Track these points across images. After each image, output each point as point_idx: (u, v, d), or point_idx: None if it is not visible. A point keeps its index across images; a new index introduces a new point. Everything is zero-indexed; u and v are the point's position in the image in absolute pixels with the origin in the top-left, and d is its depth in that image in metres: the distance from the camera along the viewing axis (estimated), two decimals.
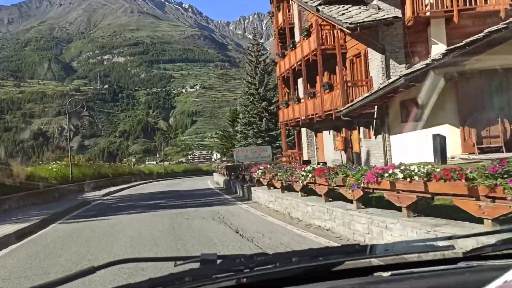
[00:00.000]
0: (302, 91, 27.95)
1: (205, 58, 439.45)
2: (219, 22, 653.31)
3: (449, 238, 1.85)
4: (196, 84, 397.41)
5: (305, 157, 27.72)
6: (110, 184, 31.61)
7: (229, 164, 29.83)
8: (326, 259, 1.45)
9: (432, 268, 1.42)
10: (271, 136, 43.92)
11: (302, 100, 26.48)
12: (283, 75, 30.36)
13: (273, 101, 46.48)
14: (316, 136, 27.69)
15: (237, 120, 52.22)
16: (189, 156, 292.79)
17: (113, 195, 24.91)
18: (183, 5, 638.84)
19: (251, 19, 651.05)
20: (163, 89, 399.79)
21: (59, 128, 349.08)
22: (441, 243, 1.63)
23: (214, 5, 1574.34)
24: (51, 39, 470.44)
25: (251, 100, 45.40)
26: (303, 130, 28.90)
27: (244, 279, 1.31)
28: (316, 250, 1.53)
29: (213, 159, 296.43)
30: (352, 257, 1.49)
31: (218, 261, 1.42)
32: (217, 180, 33.58)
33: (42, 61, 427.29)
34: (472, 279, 1.31)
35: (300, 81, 28.42)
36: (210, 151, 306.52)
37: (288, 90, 30.73)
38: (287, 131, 35.27)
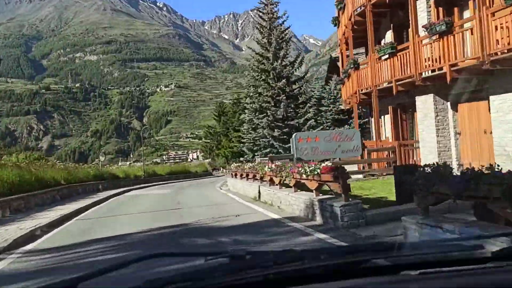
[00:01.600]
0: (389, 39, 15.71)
1: (180, 57, 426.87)
2: (194, 21, 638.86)
3: (478, 237, 1.85)
4: (171, 83, 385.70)
5: (431, 150, 14.46)
6: (59, 198, 18.79)
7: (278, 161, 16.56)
8: (354, 257, 1.46)
9: (460, 268, 1.40)
10: (292, 127, 31.55)
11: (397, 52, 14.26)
12: (350, 19, 18.06)
13: (292, 79, 33.99)
14: (454, 109, 14.99)
15: (245, 106, 39.45)
16: (164, 157, 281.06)
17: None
18: (158, 4, 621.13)
19: (226, 18, 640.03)
20: (137, 88, 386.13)
21: (28, 128, 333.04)
22: (469, 243, 1.62)
23: (189, 4, 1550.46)
24: (20, 36, 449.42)
25: (263, 78, 32.70)
26: (425, 99, 15.22)
27: (272, 275, 1.32)
28: (345, 248, 1.53)
29: (189, 160, 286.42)
30: (380, 255, 1.49)
31: (247, 257, 1.43)
32: (246, 190, 20.02)
33: (10, 59, 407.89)
34: (501, 279, 1.30)
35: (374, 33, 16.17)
36: (186, 151, 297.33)
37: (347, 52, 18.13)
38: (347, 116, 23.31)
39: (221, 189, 24.39)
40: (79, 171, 25.84)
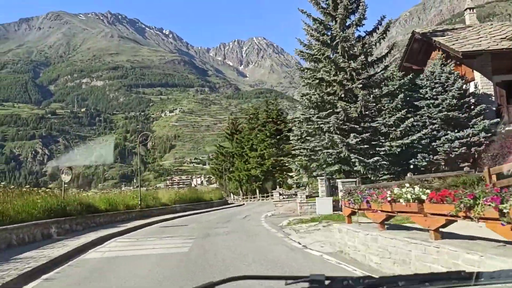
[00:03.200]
0: None
1: (185, 83, 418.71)
2: (199, 48, 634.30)
3: None
4: (176, 109, 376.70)
5: None
6: None
7: None
8: (431, 285, 1.41)
9: None
10: (374, 130, 18.94)
11: None
12: None
13: (371, 58, 21.34)
14: None
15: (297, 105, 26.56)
16: (167, 182, 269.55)
17: None
18: (164, 31, 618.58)
19: (231, 46, 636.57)
20: (142, 113, 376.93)
21: (33, 152, 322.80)
22: None
23: (195, 32, 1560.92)
24: (28, 62, 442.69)
25: (326, 55, 19.97)
26: None
27: None
28: (422, 276, 1.49)
29: (193, 185, 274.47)
30: (457, 283, 1.43)
31: (327, 282, 1.41)
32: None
33: (18, 84, 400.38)
34: None
35: None
36: (190, 176, 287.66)
37: None
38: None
39: (302, 245, 11.26)
40: (14, 203, 13.14)
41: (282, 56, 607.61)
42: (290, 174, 39.98)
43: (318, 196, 20.51)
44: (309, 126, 20.87)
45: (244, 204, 43.48)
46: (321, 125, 19.84)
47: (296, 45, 26.66)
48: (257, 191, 65.08)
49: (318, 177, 20.11)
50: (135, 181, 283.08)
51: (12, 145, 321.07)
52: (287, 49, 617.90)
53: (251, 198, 66.75)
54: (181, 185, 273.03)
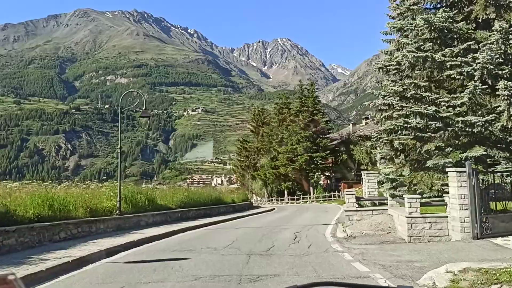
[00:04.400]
0: None
1: (208, 83, 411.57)
2: (224, 48, 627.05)
3: None
4: (198, 108, 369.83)
5: None
6: None
7: None
8: None
9: None
10: None
11: None
12: None
13: None
14: None
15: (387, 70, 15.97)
16: (188, 181, 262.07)
17: None
18: (189, 30, 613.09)
19: (255, 46, 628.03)
20: (165, 111, 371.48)
21: (56, 147, 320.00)
22: None
23: (219, 32, 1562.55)
24: (55, 58, 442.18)
25: None
26: None
27: None
28: None
29: (213, 184, 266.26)
30: None
31: None
32: None
33: (44, 80, 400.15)
34: None
35: None
36: (210, 175, 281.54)
37: None
38: None
39: None
40: None
41: (307, 58, 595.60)
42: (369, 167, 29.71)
43: (437, 202, 10.66)
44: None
45: (274, 209, 33.48)
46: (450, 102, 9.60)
47: None
48: (286, 192, 55.10)
49: (448, 168, 10.06)
50: (155, 178, 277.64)
51: (36, 139, 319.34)
52: (312, 51, 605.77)
53: (278, 200, 56.81)
54: (201, 184, 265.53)
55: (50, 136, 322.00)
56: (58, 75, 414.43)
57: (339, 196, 44.72)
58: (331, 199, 44.33)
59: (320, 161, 48.23)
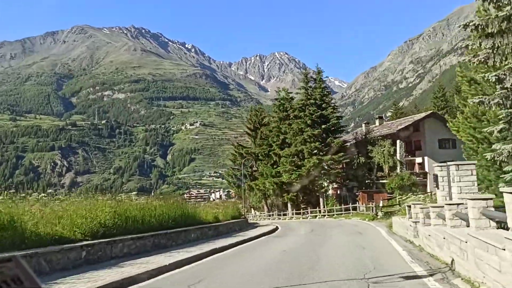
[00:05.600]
0: None
1: (206, 96, 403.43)
2: (221, 62, 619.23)
3: None
4: (196, 122, 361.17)
5: None
6: None
7: None
8: None
9: None
10: None
11: None
12: None
13: None
14: None
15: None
16: (185, 195, 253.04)
17: None
18: (186, 45, 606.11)
19: (253, 60, 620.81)
20: (162, 126, 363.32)
21: (52, 164, 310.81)
22: None
23: (217, 46, 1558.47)
24: (52, 75, 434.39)
25: None
26: None
27: None
28: None
29: (211, 199, 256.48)
30: None
31: None
32: None
33: (41, 96, 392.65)
34: None
35: None
36: (209, 190, 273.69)
37: None
38: None
39: None
40: None
41: (304, 71, 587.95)
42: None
43: None
44: None
45: (277, 228, 23.35)
46: None
47: None
48: (289, 205, 45.11)
49: None
50: (153, 194, 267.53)
51: (32, 156, 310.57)
52: (309, 64, 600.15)
53: (279, 215, 46.79)
54: (199, 199, 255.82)
55: (45, 153, 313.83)
56: (55, 92, 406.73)
57: (355, 209, 34.72)
58: (349, 213, 34.22)
59: (331, 166, 38.38)
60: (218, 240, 14.77)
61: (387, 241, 12.59)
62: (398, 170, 41.60)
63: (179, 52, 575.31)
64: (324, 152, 38.39)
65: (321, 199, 39.95)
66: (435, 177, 12.03)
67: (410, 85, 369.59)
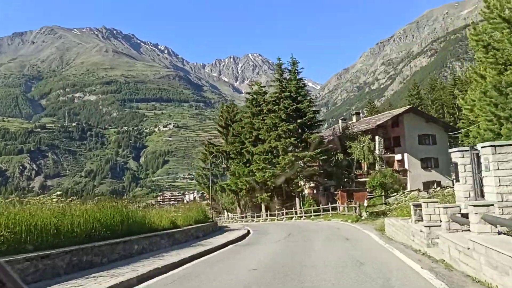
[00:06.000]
0: None
1: (180, 98, 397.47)
2: (195, 64, 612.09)
3: None
4: (170, 123, 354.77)
5: None
6: None
7: None
8: None
9: None
10: None
11: None
12: None
13: None
14: None
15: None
16: (158, 198, 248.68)
17: None
18: (159, 47, 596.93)
19: (226, 62, 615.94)
20: (135, 128, 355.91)
21: (20, 167, 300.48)
22: None
23: (190, 48, 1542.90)
24: (20, 76, 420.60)
25: None
26: None
27: None
28: None
29: (185, 201, 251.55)
30: None
31: None
32: None
33: (9, 98, 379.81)
34: None
35: None
36: (182, 192, 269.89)
37: None
38: None
39: None
40: None
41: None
42: None
43: None
44: None
45: (249, 232, 20.06)
46: None
47: None
48: (263, 206, 41.94)
49: None
50: (125, 197, 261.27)
51: None
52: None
53: (253, 217, 43.57)
54: (173, 202, 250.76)
55: (13, 156, 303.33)
56: (24, 94, 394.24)
57: (334, 209, 31.67)
58: (328, 214, 31.09)
59: (308, 163, 35.33)
60: (170, 252, 11.39)
61: (389, 252, 9.45)
62: (377, 168, 38.92)
63: (152, 53, 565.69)
64: (300, 149, 35.33)
65: (297, 199, 36.84)
66: (454, 166, 8.99)
67: (382, 86, 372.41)
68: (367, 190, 32.25)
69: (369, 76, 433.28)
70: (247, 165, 40.81)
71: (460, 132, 52.87)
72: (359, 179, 39.42)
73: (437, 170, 44.05)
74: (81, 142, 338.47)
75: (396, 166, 43.08)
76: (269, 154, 35.52)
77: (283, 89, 36.38)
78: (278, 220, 36.63)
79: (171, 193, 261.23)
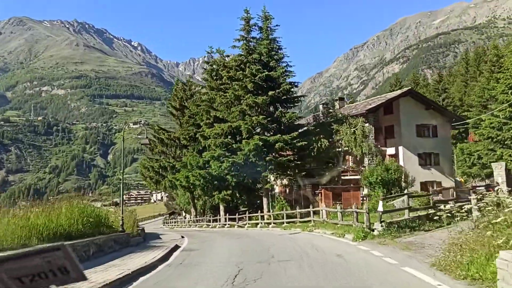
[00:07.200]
0: None
1: (152, 96, 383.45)
2: (169, 62, 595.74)
3: None
4: (140, 121, 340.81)
5: None
6: None
7: None
8: None
9: None
10: None
11: None
12: None
13: None
14: None
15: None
16: (124, 197, 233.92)
17: None
18: (132, 43, 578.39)
19: (200, 61, 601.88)
20: (104, 124, 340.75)
21: None
22: None
23: (164, 45, 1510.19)
24: None
25: None
26: None
27: None
28: None
29: (152, 201, 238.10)
30: None
31: None
32: None
33: None
34: None
35: None
36: (150, 191, 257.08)
37: None
38: None
39: None
40: None
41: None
42: None
43: None
44: None
45: (174, 249, 9.98)
46: None
47: None
48: (221, 208, 31.98)
49: None
50: (90, 195, 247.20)
51: None
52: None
53: (209, 221, 33.57)
54: (139, 201, 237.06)
55: None
56: None
57: (315, 213, 21.78)
58: (308, 221, 21.18)
59: (281, 151, 25.62)
60: None
61: None
62: (366, 162, 29.68)
63: (125, 49, 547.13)
64: (272, 132, 25.70)
65: (264, 200, 26.97)
66: None
67: (354, 91, 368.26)
68: (362, 188, 22.80)
69: (342, 80, 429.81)
70: (203, 154, 30.76)
71: (467, 123, 44.74)
72: (344, 177, 30.13)
73: (437, 168, 35.00)
74: (46, 137, 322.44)
75: (387, 161, 33.81)
76: (229, 137, 25.68)
77: (250, 51, 26.57)
78: (238, 226, 26.82)
79: (137, 192, 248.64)
